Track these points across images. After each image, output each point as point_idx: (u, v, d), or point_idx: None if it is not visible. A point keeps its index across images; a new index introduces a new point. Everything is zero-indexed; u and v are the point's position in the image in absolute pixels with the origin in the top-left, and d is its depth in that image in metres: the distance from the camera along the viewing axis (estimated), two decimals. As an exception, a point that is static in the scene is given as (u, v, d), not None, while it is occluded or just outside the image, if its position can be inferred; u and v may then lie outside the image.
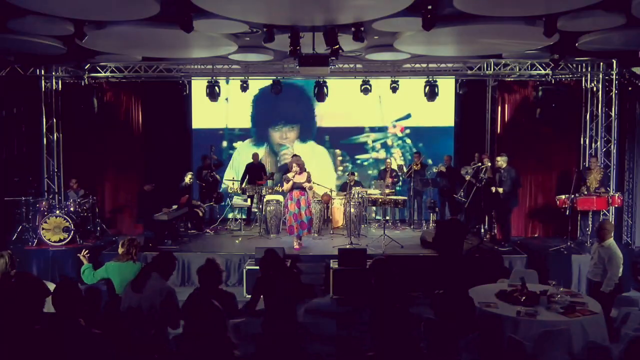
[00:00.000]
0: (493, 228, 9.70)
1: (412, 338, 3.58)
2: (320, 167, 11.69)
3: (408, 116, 11.99)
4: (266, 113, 12.10)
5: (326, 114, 12.03)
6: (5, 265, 4.72)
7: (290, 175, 8.62)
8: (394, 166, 11.16)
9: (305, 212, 8.59)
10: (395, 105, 11.78)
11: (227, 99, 11.72)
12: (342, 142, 12.17)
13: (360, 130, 12.13)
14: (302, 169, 8.58)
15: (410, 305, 4.93)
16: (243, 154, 12.15)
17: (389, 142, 12.16)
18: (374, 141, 12.16)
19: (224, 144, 12.27)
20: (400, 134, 12.12)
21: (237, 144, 12.30)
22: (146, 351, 3.95)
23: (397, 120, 12.05)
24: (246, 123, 12.23)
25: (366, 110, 11.92)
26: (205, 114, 12.00)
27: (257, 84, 11.44)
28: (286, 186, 8.63)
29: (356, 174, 11.32)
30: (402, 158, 12.03)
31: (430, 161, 11.53)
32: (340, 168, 12.16)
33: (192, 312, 3.24)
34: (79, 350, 3.06)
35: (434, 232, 8.69)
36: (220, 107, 11.72)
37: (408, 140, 12.13)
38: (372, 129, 12.12)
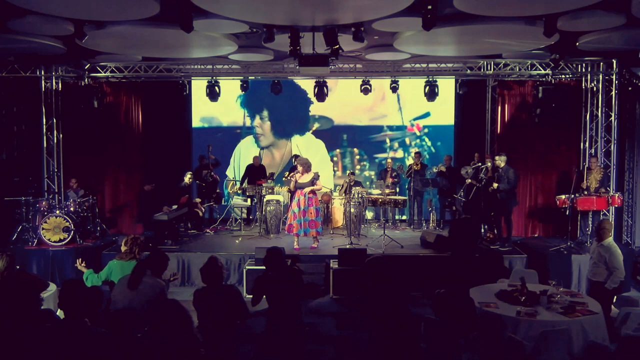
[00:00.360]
0: (493, 228, 9.69)
1: (414, 338, 3.58)
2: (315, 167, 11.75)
3: (427, 114, 11.91)
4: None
5: (344, 112, 11.98)
6: (4, 266, 4.75)
7: (290, 175, 8.68)
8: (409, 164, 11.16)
9: (302, 213, 8.51)
10: (415, 104, 11.73)
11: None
12: (360, 140, 12.14)
13: (378, 129, 12.09)
14: (306, 169, 8.58)
15: (410, 305, 4.93)
16: (244, 151, 12.18)
17: (407, 141, 12.11)
18: (392, 140, 12.11)
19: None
20: (418, 133, 12.07)
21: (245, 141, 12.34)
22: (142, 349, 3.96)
23: (415, 119, 12.00)
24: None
25: (385, 109, 11.87)
26: (208, 113, 12.02)
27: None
28: (291, 184, 8.71)
29: (356, 173, 11.33)
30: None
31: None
32: (358, 167, 12.15)
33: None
34: (85, 350, 3.07)
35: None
36: (227, 106, 11.76)
37: (427, 140, 12.09)
38: (390, 128, 12.06)
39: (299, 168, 8.60)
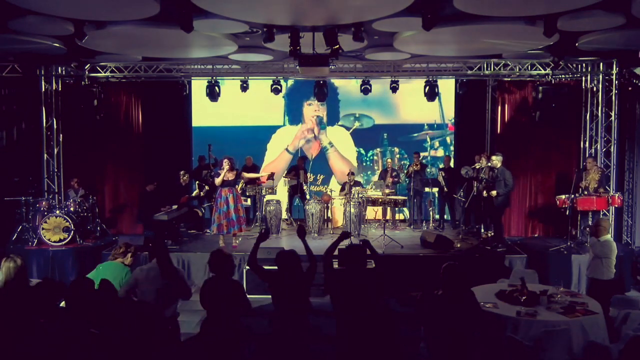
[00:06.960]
0: (490, 228, 9.69)
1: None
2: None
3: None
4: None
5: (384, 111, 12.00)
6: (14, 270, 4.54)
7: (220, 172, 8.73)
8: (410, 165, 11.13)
9: (233, 211, 8.69)
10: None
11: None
12: (401, 139, 12.04)
13: (419, 128, 11.96)
14: (232, 167, 8.67)
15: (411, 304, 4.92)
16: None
17: (448, 139, 11.98)
18: (432, 139, 11.98)
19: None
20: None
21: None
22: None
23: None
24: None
25: (426, 107, 11.53)
26: (208, 113, 12.01)
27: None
28: (217, 180, 8.68)
29: (355, 173, 11.32)
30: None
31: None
32: (397, 165, 12.02)
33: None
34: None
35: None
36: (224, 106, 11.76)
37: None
38: (431, 126, 11.90)
39: (225, 165, 8.59)
